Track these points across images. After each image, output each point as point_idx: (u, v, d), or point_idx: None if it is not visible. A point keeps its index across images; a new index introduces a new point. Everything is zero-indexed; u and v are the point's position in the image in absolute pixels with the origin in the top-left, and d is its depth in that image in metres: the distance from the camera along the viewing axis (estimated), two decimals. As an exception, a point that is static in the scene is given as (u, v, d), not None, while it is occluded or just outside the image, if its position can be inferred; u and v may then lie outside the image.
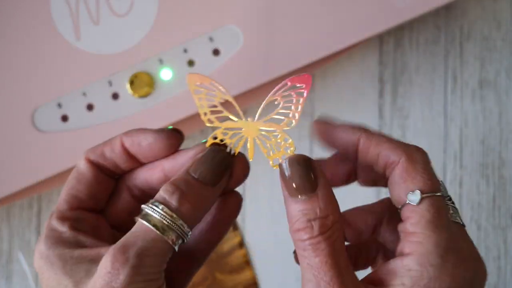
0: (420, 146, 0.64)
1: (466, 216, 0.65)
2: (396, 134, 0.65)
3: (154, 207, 0.37)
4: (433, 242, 0.37)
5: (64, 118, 0.58)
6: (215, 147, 0.40)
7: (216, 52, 0.59)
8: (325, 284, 0.36)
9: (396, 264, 0.37)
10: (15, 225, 0.64)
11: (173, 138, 0.40)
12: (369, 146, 0.40)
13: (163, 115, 0.59)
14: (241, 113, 0.40)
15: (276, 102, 0.41)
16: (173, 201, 0.37)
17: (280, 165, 0.39)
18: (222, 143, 0.40)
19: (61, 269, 0.37)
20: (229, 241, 0.63)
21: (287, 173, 0.38)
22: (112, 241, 0.40)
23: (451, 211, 0.39)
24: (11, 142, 0.58)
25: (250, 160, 0.41)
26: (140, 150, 0.40)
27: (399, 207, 0.39)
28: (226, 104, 0.41)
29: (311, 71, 0.61)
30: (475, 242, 0.64)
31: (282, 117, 0.40)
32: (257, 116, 0.40)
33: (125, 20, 0.59)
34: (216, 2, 0.59)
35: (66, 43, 0.58)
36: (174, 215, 0.37)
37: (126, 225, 0.40)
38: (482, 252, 0.64)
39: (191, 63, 0.59)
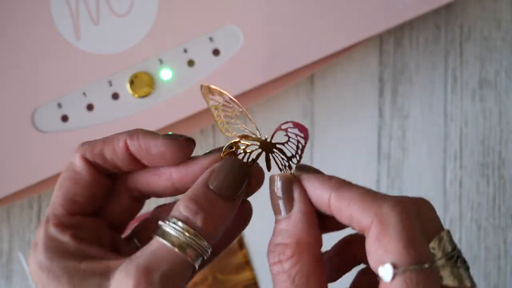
0: (420, 146, 0.65)
1: (466, 216, 0.65)
2: (396, 134, 0.65)
3: (175, 226, 0.35)
4: None
5: (64, 118, 0.58)
6: (234, 158, 0.38)
7: (216, 52, 0.59)
8: None
9: None
10: (15, 225, 0.64)
11: (187, 148, 0.38)
12: (340, 207, 0.35)
13: (163, 115, 0.59)
14: (258, 130, 0.40)
15: (284, 135, 0.41)
16: (198, 222, 0.35)
17: (269, 180, 0.38)
18: (238, 154, 0.39)
19: (67, 283, 0.35)
20: None
21: (273, 188, 0.37)
22: (112, 245, 0.38)
23: (453, 275, 0.34)
24: (11, 142, 0.58)
25: (268, 172, 0.40)
26: (148, 157, 0.37)
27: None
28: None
29: (311, 71, 0.61)
30: (474, 242, 0.64)
31: (290, 150, 0.40)
32: (271, 137, 0.40)
33: (125, 20, 0.59)
34: (216, 2, 0.59)
35: (66, 43, 0.58)
36: (198, 235, 0.35)
37: (125, 226, 0.38)
38: (482, 252, 0.65)
39: (191, 63, 0.59)
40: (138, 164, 0.38)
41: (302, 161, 0.39)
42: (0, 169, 0.58)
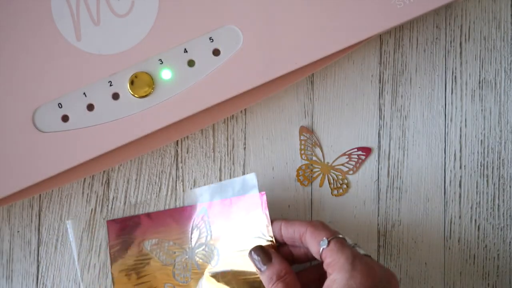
0: (420, 146, 0.65)
1: (466, 216, 0.65)
2: (396, 134, 0.65)
3: None
4: (343, 259, 0.55)
5: (65, 118, 0.59)
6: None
7: (216, 52, 0.59)
8: None
9: (328, 282, 0.55)
10: (15, 224, 0.64)
11: None
12: (286, 228, 0.59)
13: (163, 115, 0.59)
14: (323, 158, 0.64)
15: (345, 158, 0.65)
16: None
17: (249, 254, 0.59)
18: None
19: None
20: None
21: (253, 256, 0.59)
22: None
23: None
24: (11, 142, 0.58)
25: (320, 187, 0.65)
26: None
27: (319, 257, 0.57)
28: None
29: (311, 71, 0.61)
30: (474, 242, 0.64)
31: (346, 167, 0.65)
32: (332, 161, 0.64)
33: (125, 20, 0.59)
34: (216, 2, 0.59)
35: (66, 43, 0.59)
36: None
37: None
38: (481, 252, 0.65)
39: (191, 63, 0.59)
40: None
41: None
42: (0, 169, 0.58)
